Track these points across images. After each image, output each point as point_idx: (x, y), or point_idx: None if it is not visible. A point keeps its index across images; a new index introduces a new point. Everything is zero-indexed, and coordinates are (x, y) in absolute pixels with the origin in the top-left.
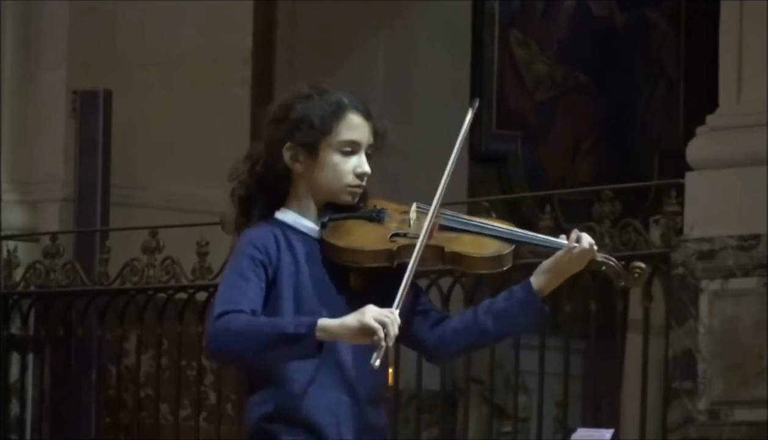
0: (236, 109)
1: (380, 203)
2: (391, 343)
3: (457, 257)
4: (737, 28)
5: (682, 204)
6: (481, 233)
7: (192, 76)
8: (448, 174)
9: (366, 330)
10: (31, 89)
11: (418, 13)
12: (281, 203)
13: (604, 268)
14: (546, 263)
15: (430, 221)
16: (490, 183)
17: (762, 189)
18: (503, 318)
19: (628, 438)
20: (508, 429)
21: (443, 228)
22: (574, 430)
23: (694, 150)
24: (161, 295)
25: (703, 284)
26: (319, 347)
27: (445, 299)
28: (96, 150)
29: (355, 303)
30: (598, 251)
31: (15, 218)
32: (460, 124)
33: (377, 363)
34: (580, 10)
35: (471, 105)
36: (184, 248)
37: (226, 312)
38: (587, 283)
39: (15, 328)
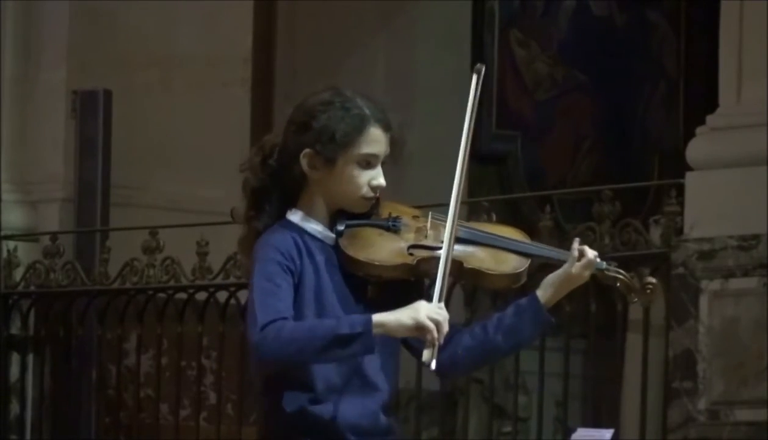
0: (236, 109)
1: (393, 208)
2: (442, 341)
3: (476, 274)
4: (737, 28)
5: (682, 204)
6: (497, 246)
7: (192, 76)
8: (461, 182)
9: (421, 328)
10: (31, 89)
11: (418, 13)
12: (293, 202)
13: (618, 284)
14: (552, 277)
15: (451, 236)
16: (490, 183)
17: (762, 189)
18: (513, 333)
19: (628, 438)
20: (508, 429)
21: (458, 241)
22: (574, 430)
23: (694, 150)
24: (161, 295)
25: (703, 284)
26: (373, 344)
27: (446, 303)
28: (96, 150)
29: (373, 310)
30: (612, 265)
31: (15, 218)
32: (460, 124)
33: (433, 363)
34: (580, 10)
35: (476, 70)
36: (184, 248)
37: (272, 321)
38: (587, 283)
39: (15, 328)
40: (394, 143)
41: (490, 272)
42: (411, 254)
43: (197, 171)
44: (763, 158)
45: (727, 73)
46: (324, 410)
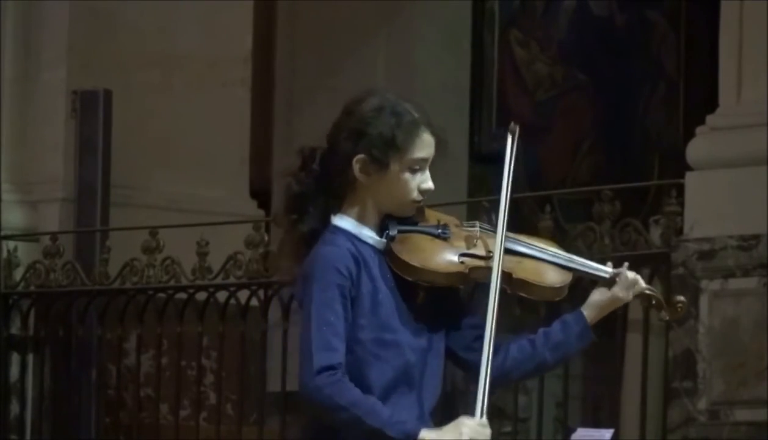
0: (236, 109)
1: (437, 216)
2: None
3: (524, 284)
4: (737, 28)
5: (682, 204)
6: (543, 259)
7: (192, 76)
8: (507, 198)
9: None
10: (31, 89)
11: (418, 13)
12: (337, 206)
13: (654, 302)
14: (599, 299)
15: (500, 249)
16: (490, 183)
17: (762, 189)
18: (560, 350)
19: (628, 438)
20: (508, 429)
21: (507, 251)
22: (574, 430)
23: (694, 150)
24: (161, 295)
25: (703, 284)
26: None
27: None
28: (96, 150)
29: (422, 316)
30: (647, 286)
31: (15, 218)
32: (461, 124)
33: None
34: (580, 10)
35: (510, 130)
36: (184, 248)
37: (331, 368)
38: (587, 283)
39: (15, 328)
40: (439, 145)
41: (538, 284)
42: (462, 263)
43: (197, 171)
44: (763, 158)
45: (727, 73)
46: None
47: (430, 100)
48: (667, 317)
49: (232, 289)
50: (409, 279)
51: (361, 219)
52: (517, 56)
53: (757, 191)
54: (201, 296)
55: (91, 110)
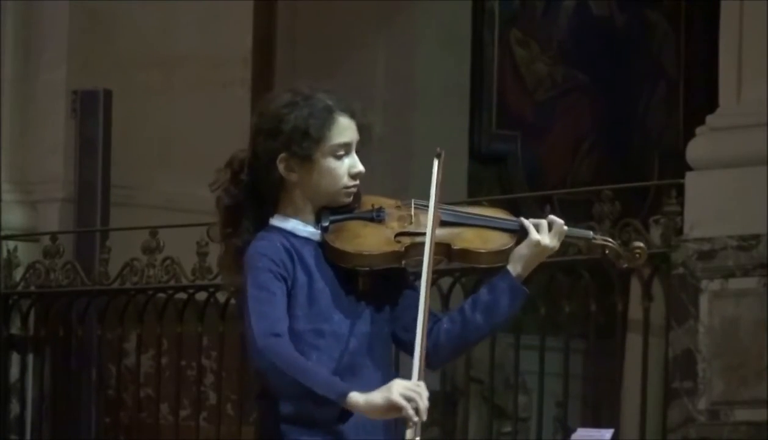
0: (236, 109)
1: (374, 201)
2: (424, 417)
3: (465, 253)
4: (737, 28)
5: (682, 204)
6: (482, 225)
7: (192, 77)
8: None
9: (394, 408)
10: (31, 89)
11: (418, 14)
12: (272, 210)
13: (607, 251)
14: (521, 249)
15: (433, 220)
16: (490, 183)
17: (762, 189)
18: (490, 310)
19: (628, 438)
20: (508, 429)
21: (443, 223)
22: (574, 430)
23: (694, 150)
24: (161, 295)
25: (703, 284)
26: (343, 414)
27: (445, 299)
28: (96, 150)
29: (364, 303)
30: (599, 234)
31: (15, 218)
32: (461, 124)
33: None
34: (580, 10)
35: (437, 155)
36: (184, 248)
37: (273, 335)
38: (587, 283)
39: (15, 328)
40: (362, 128)
41: (478, 250)
42: (398, 242)
43: (197, 171)
44: (763, 158)
45: (727, 73)
46: (324, 408)
47: (430, 100)
48: (626, 265)
49: (231, 289)
50: (348, 267)
51: (296, 216)
52: (517, 56)
53: (757, 191)
54: (201, 296)
55: (91, 110)
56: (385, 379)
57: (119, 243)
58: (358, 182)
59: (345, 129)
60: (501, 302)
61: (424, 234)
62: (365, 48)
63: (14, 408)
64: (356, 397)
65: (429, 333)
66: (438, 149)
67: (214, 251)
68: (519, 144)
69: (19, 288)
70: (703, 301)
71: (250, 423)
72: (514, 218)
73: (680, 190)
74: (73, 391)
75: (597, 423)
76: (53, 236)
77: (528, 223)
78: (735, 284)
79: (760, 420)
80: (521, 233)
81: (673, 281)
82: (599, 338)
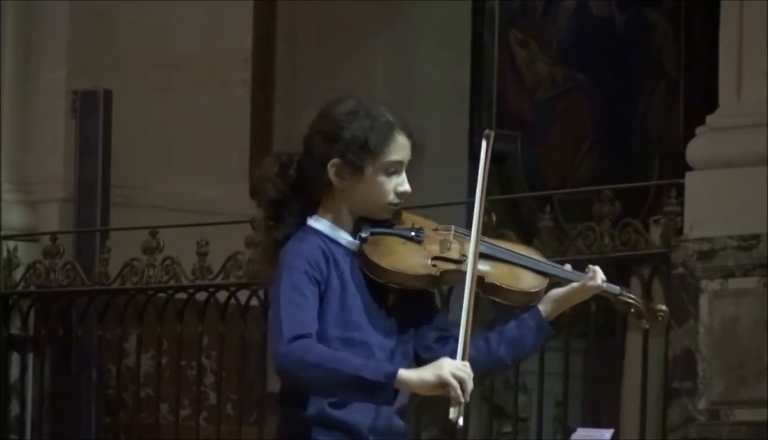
0: (236, 109)
1: (415, 219)
2: (468, 398)
3: (495, 289)
4: (737, 28)
5: (682, 204)
6: (517, 263)
7: (192, 76)
8: (482, 201)
9: (444, 385)
10: (31, 89)
11: (418, 13)
12: (313, 210)
13: (632, 310)
14: (556, 293)
15: (475, 252)
16: (490, 183)
17: (762, 189)
18: (516, 346)
19: (628, 438)
20: (508, 429)
21: (480, 256)
22: (574, 430)
23: (694, 150)
24: (161, 295)
25: (703, 284)
26: (394, 396)
27: (445, 299)
28: (96, 150)
29: (391, 317)
30: (624, 291)
31: (15, 218)
32: (461, 124)
33: (460, 420)
34: (580, 10)
35: (485, 136)
36: (184, 248)
37: (301, 336)
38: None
39: (15, 328)
40: (415, 149)
41: (509, 288)
42: (434, 266)
43: (197, 171)
44: (763, 158)
45: (727, 73)
46: (343, 412)
47: (430, 100)
48: (647, 326)
49: (232, 289)
50: (380, 281)
51: (336, 222)
52: (517, 56)
53: (757, 191)
54: (201, 296)
55: (91, 110)
56: (403, 395)
57: (119, 243)
58: (402, 200)
59: (401, 148)
60: (527, 339)
61: (460, 262)
62: (365, 48)
63: (14, 408)
64: (407, 374)
65: (452, 356)
66: (486, 131)
67: (214, 251)
68: (519, 144)
69: (19, 288)
70: (703, 301)
71: (251, 423)
72: (547, 262)
73: (680, 190)
74: (73, 391)
75: (597, 423)
76: (53, 236)
77: (572, 271)
78: (735, 284)
79: (760, 420)
80: (553, 278)
81: (673, 281)
82: (599, 338)
